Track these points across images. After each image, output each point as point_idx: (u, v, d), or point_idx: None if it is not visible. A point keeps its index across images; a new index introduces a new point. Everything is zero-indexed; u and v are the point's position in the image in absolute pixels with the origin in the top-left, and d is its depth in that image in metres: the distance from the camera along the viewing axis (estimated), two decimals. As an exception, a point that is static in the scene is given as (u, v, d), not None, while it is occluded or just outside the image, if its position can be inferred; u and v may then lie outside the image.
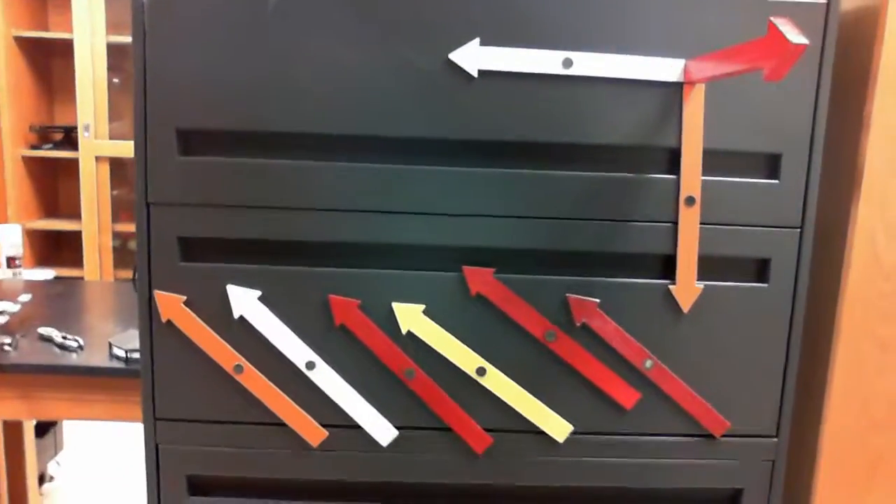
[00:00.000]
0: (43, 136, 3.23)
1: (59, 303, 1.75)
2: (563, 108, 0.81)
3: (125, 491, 2.45)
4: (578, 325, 0.85)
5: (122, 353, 1.38)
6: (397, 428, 0.87)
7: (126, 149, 3.06)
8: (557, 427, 0.87)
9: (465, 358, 0.85)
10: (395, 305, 0.84)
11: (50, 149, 3.18)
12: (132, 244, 3.24)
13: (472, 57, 0.80)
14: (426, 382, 0.85)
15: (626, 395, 0.86)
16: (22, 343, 1.44)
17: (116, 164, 3.14)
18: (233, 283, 0.84)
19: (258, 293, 0.84)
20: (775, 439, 0.89)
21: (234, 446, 0.87)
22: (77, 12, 2.94)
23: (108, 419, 1.43)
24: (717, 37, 0.80)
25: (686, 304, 0.85)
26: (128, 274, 3.18)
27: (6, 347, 1.40)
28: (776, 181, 0.84)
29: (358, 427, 0.86)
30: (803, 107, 0.82)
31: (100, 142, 3.07)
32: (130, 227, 3.16)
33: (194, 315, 0.84)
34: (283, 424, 0.86)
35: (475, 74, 0.80)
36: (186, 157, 0.82)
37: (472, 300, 0.84)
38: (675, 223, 0.83)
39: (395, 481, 0.89)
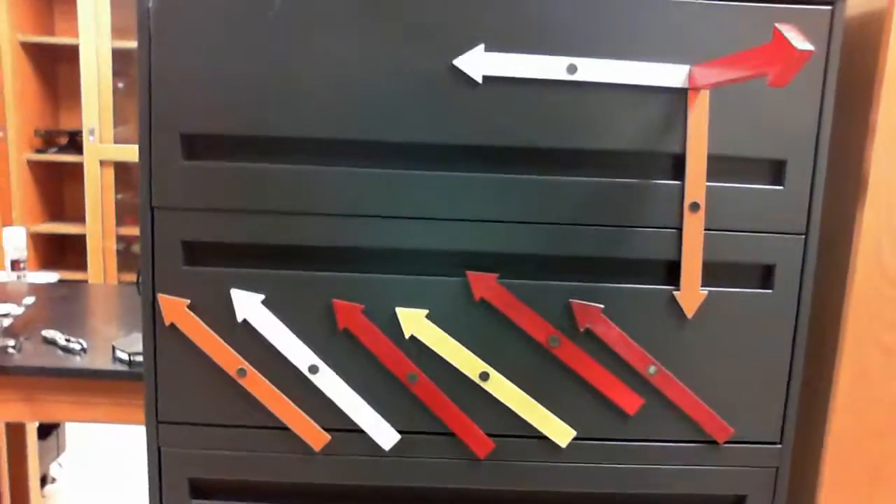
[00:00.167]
0: (48, 140, 3.25)
1: (63, 306, 1.75)
2: (567, 114, 0.81)
3: (127, 494, 2.45)
4: (582, 330, 0.84)
5: (125, 357, 1.38)
6: (400, 432, 0.86)
7: (131, 153, 3.07)
8: (560, 432, 0.87)
9: (468, 363, 0.85)
10: (399, 310, 0.84)
11: (55, 153, 3.19)
12: (136, 248, 3.25)
13: (477, 62, 0.80)
14: (429, 387, 0.85)
15: (630, 401, 0.86)
16: (25, 345, 1.45)
17: (121, 168, 3.15)
18: (236, 287, 0.84)
19: (262, 297, 0.84)
20: (779, 446, 0.88)
21: (236, 450, 0.87)
22: (83, 18, 2.96)
23: (110, 422, 1.43)
24: (722, 43, 0.80)
25: (690, 310, 0.85)
26: (131, 277, 3.18)
27: (10, 350, 1.40)
28: (781, 187, 0.83)
29: (360, 431, 0.86)
30: (808, 113, 0.82)
31: (105, 146, 3.08)
32: (135, 231, 3.17)
33: (198, 319, 0.84)
34: (285, 428, 0.86)
35: (479, 80, 0.80)
36: (191, 162, 0.82)
37: (476, 305, 0.84)
38: (680, 229, 0.83)
39: (398, 485, 0.89)
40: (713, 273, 0.85)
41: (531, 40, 0.80)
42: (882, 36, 0.84)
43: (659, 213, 0.83)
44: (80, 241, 3.21)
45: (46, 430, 2.43)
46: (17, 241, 2.07)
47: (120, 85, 3.15)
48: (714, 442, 0.88)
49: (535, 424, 0.86)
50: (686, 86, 0.81)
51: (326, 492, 0.90)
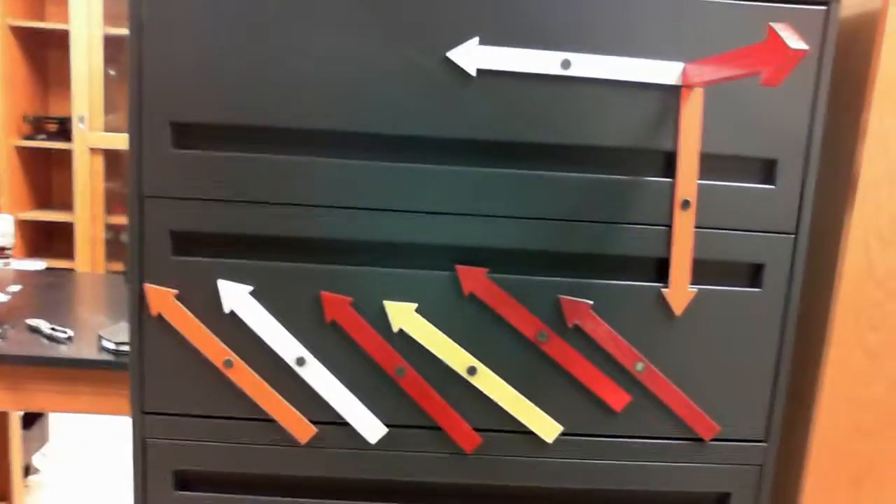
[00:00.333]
0: (37, 126, 3.22)
1: (50, 294, 1.74)
2: (560, 109, 0.81)
3: (111, 485, 2.44)
4: (570, 326, 0.84)
5: (111, 346, 1.37)
6: (387, 426, 0.86)
7: (121, 141, 3.04)
8: (547, 428, 0.87)
9: (456, 357, 0.85)
10: (387, 303, 0.84)
11: (44, 139, 3.16)
12: (125, 237, 3.22)
13: (471, 56, 0.79)
14: (417, 381, 0.85)
15: (617, 398, 0.86)
16: (10, 333, 1.43)
17: (111, 157, 3.13)
18: (224, 278, 0.83)
19: (250, 288, 0.83)
20: (764, 444, 0.89)
21: (221, 441, 0.87)
22: (74, 3, 2.93)
23: (95, 412, 1.42)
24: (716, 41, 0.80)
25: (679, 307, 0.85)
26: (120, 266, 3.16)
27: (-6, 338, 1.39)
28: (772, 186, 0.84)
29: (347, 424, 0.86)
30: (800, 113, 0.82)
31: (95, 133, 3.05)
32: (123, 220, 3.15)
33: (185, 309, 0.83)
34: (271, 420, 0.86)
35: (473, 73, 0.80)
36: (181, 151, 0.81)
37: (465, 299, 0.84)
38: (670, 226, 0.83)
39: (384, 479, 0.88)
40: (702, 271, 0.85)
41: (526, 35, 0.79)
42: (875, 37, 0.84)
43: (650, 210, 0.83)
44: (67, 228, 3.19)
45: (30, 420, 2.41)
46: (3, 227, 2.05)
47: (111, 72, 3.12)
48: (700, 439, 0.88)
49: (522, 419, 0.86)
50: (679, 83, 0.81)
51: (312, 484, 0.89)
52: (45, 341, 1.41)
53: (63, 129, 3.19)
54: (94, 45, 2.97)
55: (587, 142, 0.82)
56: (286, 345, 0.84)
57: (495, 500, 0.90)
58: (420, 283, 0.84)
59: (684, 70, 0.80)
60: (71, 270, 2.99)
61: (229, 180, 0.81)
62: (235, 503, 0.88)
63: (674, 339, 0.86)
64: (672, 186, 0.83)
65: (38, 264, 2.14)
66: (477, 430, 0.87)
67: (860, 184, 0.86)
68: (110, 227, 3.17)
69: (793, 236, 0.85)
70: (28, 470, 2.42)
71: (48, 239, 3.39)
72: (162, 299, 0.83)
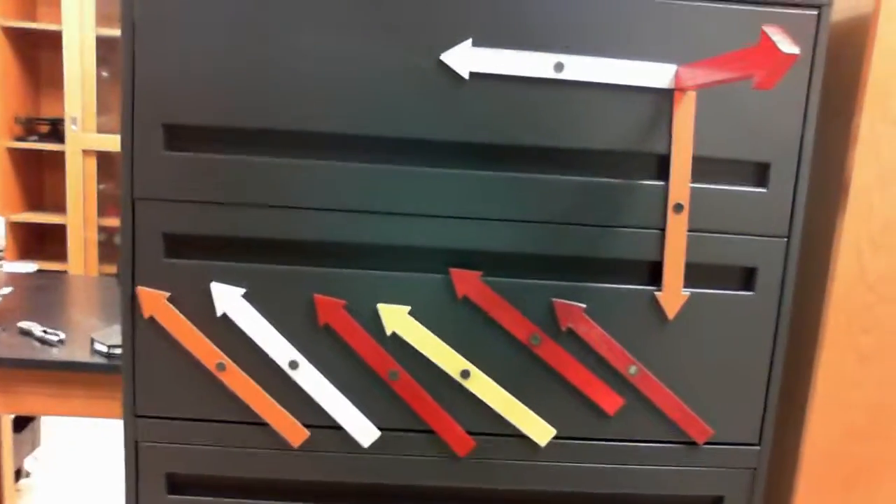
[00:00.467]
0: (29, 127, 3.20)
1: (42, 296, 1.73)
2: (553, 112, 0.81)
3: (103, 488, 2.43)
4: (564, 329, 0.84)
5: (103, 349, 1.37)
6: (380, 429, 0.86)
7: (114, 143, 3.03)
8: (540, 431, 0.86)
9: (449, 360, 0.84)
10: (381, 306, 0.83)
11: (36, 141, 3.15)
12: (118, 239, 3.21)
13: (464, 58, 0.79)
14: (410, 384, 0.85)
15: (610, 401, 0.86)
16: (1, 336, 1.42)
17: (104, 158, 3.12)
18: (217, 281, 0.83)
19: (242, 291, 0.83)
20: (757, 447, 0.89)
21: (214, 445, 0.86)
22: (66, 4, 2.91)
23: (87, 415, 1.42)
24: (709, 44, 0.81)
25: (672, 311, 0.85)
26: (113, 269, 3.15)
27: (-15, 340, 1.38)
28: (764, 190, 0.84)
29: (340, 428, 0.86)
30: (793, 116, 0.82)
31: (87, 135, 3.04)
32: (116, 222, 3.14)
33: (177, 312, 0.83)
34: (264, 424, 0.85)
35: (466, 76, 0.80)
36: (173, 153, 0.81)
37: (459, 303, 0.84)
38: (663, 230, 0.84)
39: (377, 483, 0.88)
40: (695, 274, 0.85)
41: (519, 37, 0.79)
42: (867, 42, 0.84)
43: (643, 214, 0.83)
44: (60, 231, 3.18)
45: (22, 424, 2.40)
46: (-5, 229, 2.04)
47: (104, 73, 3.12)
48: (693, 443, 0.88)
49: (515, 423, 0.86)
50: (673, 86, 0.81)
51: (305, 488, 0.89)
52: (37, 344, 1.40)
53: (55, 131, 3.18)
54: (86, 46, 2.96)
55: (580, 145, 0.82)
56: (279, 348, 0.84)
57: (488, 503, 0.90)
58: (413, 287, 0.83)
59: (677, 73, 0.80)
60: (63, 273, 2.98)
61: (222, 182, 0.81)
62: (228, 507, 0.88)
63: (667, 343, 0.86)
64: (665, 190, 0.83)
65: (30, 266, 2.13)
66: (470, 433, 0.86)
67: (852, 188, 0.86)
68: (103, 229, 3.16)
69: (785, 240, 0.85)
70: (19, 473, 2.41)
71: (40, 241, 3.38)
72: (154, 302, 0.83)
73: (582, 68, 0.80)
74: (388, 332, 0.84)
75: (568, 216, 0.83)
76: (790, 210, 0.84)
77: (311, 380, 0.84)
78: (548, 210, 0.83)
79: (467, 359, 0.85)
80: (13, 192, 3.17)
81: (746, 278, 0.86)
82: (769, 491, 1.00)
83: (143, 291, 0.82)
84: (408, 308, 0.84)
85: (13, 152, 3.13)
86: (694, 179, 0.83)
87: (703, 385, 0.87)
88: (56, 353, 1.36)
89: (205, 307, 0.83)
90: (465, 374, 0.85)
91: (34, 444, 2.52)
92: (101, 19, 2.97)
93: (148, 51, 0.78)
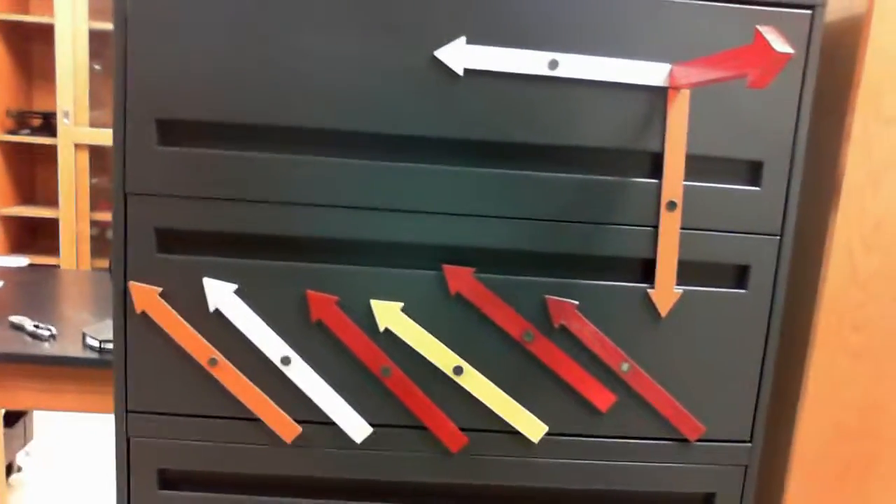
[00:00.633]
0: (20, 121, 3.18)
1: (33, 291, 1.72)
2: (547, 110, 0.81)
3: (95, 483, 2.42)
4: (556, 326, 0.85)
5: (95, 344, 1.36)
6: (372, 425, 0.86)
7: (107, 137, 3.01)
8: (533, 428, 0.87)
9: (442, 357, 0.85)
10: (374, 303, 0.83)
11: (28, 134, 3.13)
12: (110, 233, 3.20)
13: (458, 55, 0.79)
14: (402, 380, 0.85)
15: (602, 398, 0.86)
16: (-8, 331, 1.42)
17: (96, 152, 3.10)
18: (209, 276, 0.82)
19: (235, 287, 0.83)
20: (749, 444, 0.89)
21: (206, 440, 0.86)
22: (59, -4, 2.89)
23: (79, 410, 1.41)
24: (703, 43, 0.81)
25: (664, 308, 0.85)
26: (105, 263, 3.14)
27: (-24, 335, 1.37)
28: (757, 188, 0.84)
29: (332, 424, 0.86)
30: (786, 115, 0.83)
31: (80, 129, 3.02)
32: (109, 216, 3.12)
33: (169, 307, 0.83)
34: (256, 419, 0.85)
35: (461, 73, 0.80)
36: (166, 148, 0.80)
37: (452, 299, 0.84)
38: (656, 227, 0.84)
39: (369, 479, 0.88)
40: (688, 272, 0.85)
41: (514, 34, 0.79)
42: (860, 41, 0.85)
43: (636, 211, 0.83)
44: (52, 225, 3.16)
45: (13, 418, 2.39)
46: (-14, 223, 2.02)
47: (97, 67, 3.10)
48: (685, 440, 0.88)
49: (507, 419, 0.86)
50: (667, 84, 0.81)
51: (297, 484, 0.89)
52: (28, 339, 1.39)
53: (47, 124, 3.15)
54: (79, 39, 2.94)
55: (574, 142, 0.82)
56: (271, 344, 0.84)
57: (481, 499, 0.90)
58: (406, 283, 0.83)
59: (671, 72, 0.80)
60: (55, 267, 2.96)
61: (215, 178, 0.81)
62: (220, 503, 0.88)
63: (659, 340, 0.86)
64: (658, 187, 0.83)
65: (22, 261, 2.12)
66: (463, 429, 0.86)
67: (844, 187, 0.87)
68: (96, 224, 3.14)
69: (778, 238, 0.85)
70: (11, 468, 2.40)
71: (32, 235, 3.36)
72: (146, 297, 0.82)
73: (576, 66, 0.80)
74: (381, 329, 0.84)
75: (561, 213, 0.83)
76: (783, 208, 0.84)
77: (303, 376, 0.84)
78: (541, 207, 0.83)
79: (460, 355, 0.85)
80: (5, 186, 3.15)
81: (739, 276, 0.86)
82: (761, 488, 1.00)
83: (136, 286, 0.82)
84: (401, 304, 0.84)
85: (5, 146, 3.11)
86: (687, 177, 0.83)
87: (696, 382, 0.87)
88: (48, 348, 1.36)
89: (197, 302, 0.83)
90: (458, 370, 0.85)
91: (26, 438, 2.50)
92: (94, 13, 2.95)
93: (141, 45, 0.78)
